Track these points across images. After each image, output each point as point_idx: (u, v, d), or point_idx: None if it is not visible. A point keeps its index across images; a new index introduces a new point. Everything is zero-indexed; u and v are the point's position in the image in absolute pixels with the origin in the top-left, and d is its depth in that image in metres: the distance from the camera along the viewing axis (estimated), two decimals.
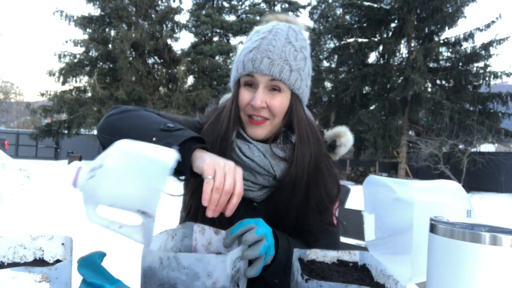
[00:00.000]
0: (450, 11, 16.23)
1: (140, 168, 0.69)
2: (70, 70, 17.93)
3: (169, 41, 19.48)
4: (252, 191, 1.03)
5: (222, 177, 0.79)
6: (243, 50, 1.00)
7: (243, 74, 0.99)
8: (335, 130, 1.18)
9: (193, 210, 1.05)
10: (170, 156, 0.71)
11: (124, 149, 0.71)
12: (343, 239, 1.48)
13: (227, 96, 1.14)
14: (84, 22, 18.50)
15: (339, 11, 21.43)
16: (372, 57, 18.57)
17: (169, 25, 19.79)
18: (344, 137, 1.16)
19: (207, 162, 0.80)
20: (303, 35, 1.05)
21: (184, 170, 0.84)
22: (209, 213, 0.79)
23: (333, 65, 21.02)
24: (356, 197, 1.23)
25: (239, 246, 0.77)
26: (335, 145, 1.15)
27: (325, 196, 1.03)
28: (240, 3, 22.24)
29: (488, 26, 16.53)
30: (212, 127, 1.05)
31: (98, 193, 0.68)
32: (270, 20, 1.08)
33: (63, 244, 0.80)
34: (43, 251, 0.80)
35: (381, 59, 17.90)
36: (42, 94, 18.46)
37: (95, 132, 20.28)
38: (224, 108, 1.06)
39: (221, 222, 0.95)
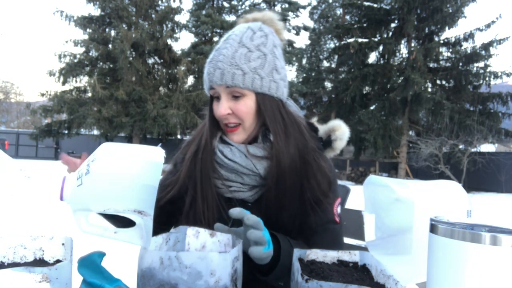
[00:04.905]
0: (450, 11, 16.23)
1: (131, 167, 0.68)
2: (70, 70, 17.91)
3: (169, 41, 19.46)
4: (242, 191, 1.04)
5: None
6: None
7: (208, 89, 1.05)
8: (329, 124, 1.17)
9: (185, 211, 1.08)
10: (158, 152, 0.71)
11: (109, 152, 0.70)
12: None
13: None
14: (84, 22, 18.49)
15: (339, 11, 21.47)
16: (372, 57, 18.58)
17: (169, 25, 19.77)
18: (339, 130, 1.14)
19: None
20: (264, 31, 1.05)
21: None
22: None
23: (333, 65, 21.04)
24: (356, 197, 1.23)
25: (237, 247, 0.77)
26: (331, 140, 1.14)
27: (317, 188, 1.03)
28: (240, 3, 22.24)
29: (488, 26, 16.52)
30: (198, 138, 1.12)
31: (89, 200, 0.66)
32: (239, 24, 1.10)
33: (63, 244, 0.80)
34: (43, 251, 0.79)
35: (381, 59, 17.89)
36: (42, 94, 18.45)
37: (95, 132, 20.29)
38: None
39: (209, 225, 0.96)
